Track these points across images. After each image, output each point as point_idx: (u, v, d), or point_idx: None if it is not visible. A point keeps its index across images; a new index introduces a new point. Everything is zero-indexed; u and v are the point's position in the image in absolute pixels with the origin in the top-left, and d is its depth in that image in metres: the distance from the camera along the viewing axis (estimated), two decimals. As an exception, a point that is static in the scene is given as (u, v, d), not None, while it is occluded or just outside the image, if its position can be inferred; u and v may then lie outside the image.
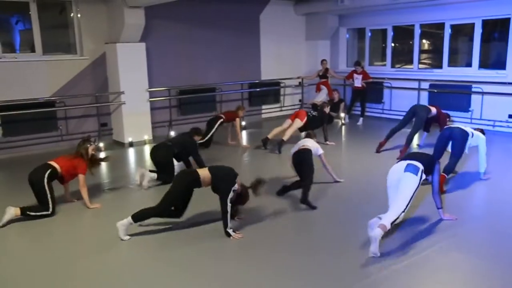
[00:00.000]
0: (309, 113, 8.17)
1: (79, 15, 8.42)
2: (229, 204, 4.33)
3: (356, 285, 3.50)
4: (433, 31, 10.93)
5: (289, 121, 8.09)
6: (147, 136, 8.82)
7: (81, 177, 5.17)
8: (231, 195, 4.36)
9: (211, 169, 4.52)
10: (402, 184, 4.21)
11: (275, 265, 3.85)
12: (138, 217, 4.41)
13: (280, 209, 5.12)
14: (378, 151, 7.55)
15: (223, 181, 4.41)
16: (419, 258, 3.91)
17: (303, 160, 5.51)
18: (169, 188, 4.51)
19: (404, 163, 4.36)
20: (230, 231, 4.35)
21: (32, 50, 8.24)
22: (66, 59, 8.43)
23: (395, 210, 4.05)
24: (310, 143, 5.68)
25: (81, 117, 8.63)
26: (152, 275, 3.73)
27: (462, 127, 5.89)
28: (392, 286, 3.50)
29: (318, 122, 8.17)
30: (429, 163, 4.46)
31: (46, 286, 3.62)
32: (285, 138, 7.80)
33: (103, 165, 7.42)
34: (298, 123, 7.92)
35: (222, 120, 8.20)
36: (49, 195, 4.92)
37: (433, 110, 7.48)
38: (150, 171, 6.14)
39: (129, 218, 4.36)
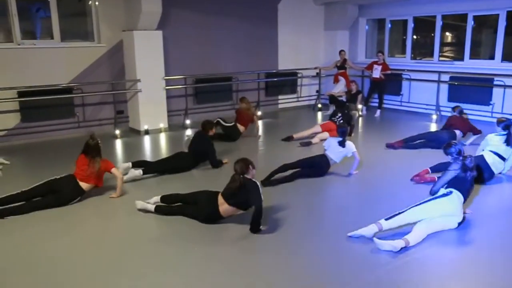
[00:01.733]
0: (338, 123, 7.75)
1: (97, 3, 8.45)
2: None
3: (371, 273, 3.46)
4: (455, 23, 10.67)
5: (318, 126, 8.04)
6: (162, 124, 8.85)
7: (114, 171, 5.19)
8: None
9: (229, 201, 4.33)
10: (441, 219, 4.14)
11: (290, 254, 3.84)
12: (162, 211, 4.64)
13: (289, 200, 5.09)
14: (390, 146, 7.33)
15: (250, 198, 4.23)
16: (432, 251, 3.84)
17: (320, 163, 5.77)
18: (199, 202, 4.50)
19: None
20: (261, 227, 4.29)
21: (52, 37, 8.32)
22: (83, 46, 8.50)
23: (421, 235, 3.99)
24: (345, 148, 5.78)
25: (98, 104, 8.70)
26: (189, 270, 3.75)
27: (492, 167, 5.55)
28: (404, 276, 3.44)
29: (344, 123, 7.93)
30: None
31: (73, 279, 3.66)
32: (313, 141, 7.71)
33: (119, 153, 7.52)
34: (326, 135, 7.65)
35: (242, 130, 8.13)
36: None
37: (458, 133, 7.31)
38: (134, 164, 6.03)
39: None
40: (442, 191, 4.27)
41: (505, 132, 5.62)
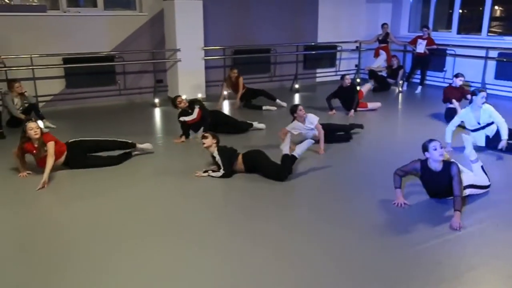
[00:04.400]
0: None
1: (139, -29, 8.50)
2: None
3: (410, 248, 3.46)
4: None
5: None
6: (200, 95, 8.91)
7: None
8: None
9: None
10: None
11: (348, 224, 3.88)
12: None
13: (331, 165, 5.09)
14: None
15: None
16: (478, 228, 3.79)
17: None
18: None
19: None
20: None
21: (95, 5, 8.45)
22: (126, 15, 8.59)
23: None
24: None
25: (138, 72, 8.84)
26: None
27: None
28: (445, 253, 3.42)
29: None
30: None
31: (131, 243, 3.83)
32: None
33: (158, 121, 7.66)
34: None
35: None
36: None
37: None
38: None
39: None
40: None
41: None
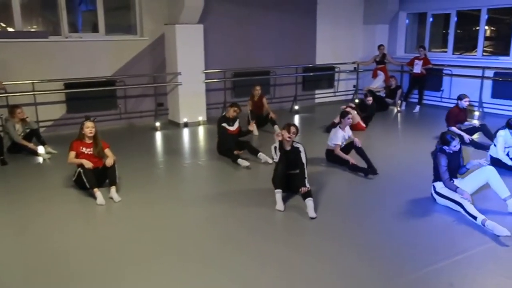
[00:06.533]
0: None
1: (140, -3, 8.60)
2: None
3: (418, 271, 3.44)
4: (499, 17, 10.34)
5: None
6: (201, 117, 8.94)
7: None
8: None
9: None
10: None
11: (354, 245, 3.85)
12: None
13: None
14: None
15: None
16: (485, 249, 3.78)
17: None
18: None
19: None
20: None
21: (94, 30, 8.52)
22: (127, 40, 8.66)
23: None
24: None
25: (139, 96, 8.87)
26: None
27: None
28: (457, 274, 3.40)
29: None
30: None
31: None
32: None
33: (159, 145, 7.65)
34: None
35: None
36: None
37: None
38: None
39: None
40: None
41: None
